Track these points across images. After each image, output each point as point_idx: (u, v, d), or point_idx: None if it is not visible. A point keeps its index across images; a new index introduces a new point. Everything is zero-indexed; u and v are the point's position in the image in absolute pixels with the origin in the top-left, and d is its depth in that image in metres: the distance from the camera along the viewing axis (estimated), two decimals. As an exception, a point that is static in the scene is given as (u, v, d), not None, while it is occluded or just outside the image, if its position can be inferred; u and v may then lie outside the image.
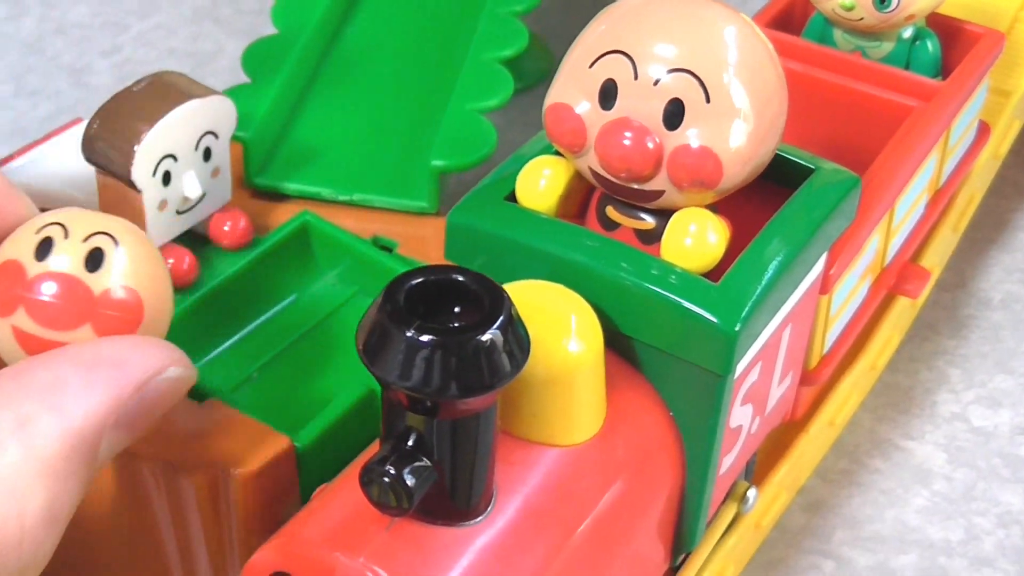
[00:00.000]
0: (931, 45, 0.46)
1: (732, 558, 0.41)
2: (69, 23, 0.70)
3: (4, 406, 0.27)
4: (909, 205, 0.44)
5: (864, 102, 0.45)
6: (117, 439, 0.28)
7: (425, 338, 0.26)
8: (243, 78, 0.64)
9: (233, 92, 0.44)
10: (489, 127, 0.43)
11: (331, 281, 0.41)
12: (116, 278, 0.29)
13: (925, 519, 0.46)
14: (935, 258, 0.51)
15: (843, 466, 0.47)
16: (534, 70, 0.62)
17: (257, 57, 0.46)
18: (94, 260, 0.28)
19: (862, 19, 0.44)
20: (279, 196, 0.43)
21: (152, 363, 0.29)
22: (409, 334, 0.26)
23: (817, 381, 0.42)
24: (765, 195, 0.36)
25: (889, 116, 0.44)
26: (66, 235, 0.29)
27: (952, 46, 0.47)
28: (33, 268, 0.28)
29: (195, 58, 0.68)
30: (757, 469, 0.42)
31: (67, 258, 0.28)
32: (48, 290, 0.28)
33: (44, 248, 0.29)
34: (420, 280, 0.27)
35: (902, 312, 0.49)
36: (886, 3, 0.43)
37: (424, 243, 0.41)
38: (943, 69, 0.47)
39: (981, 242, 0.57)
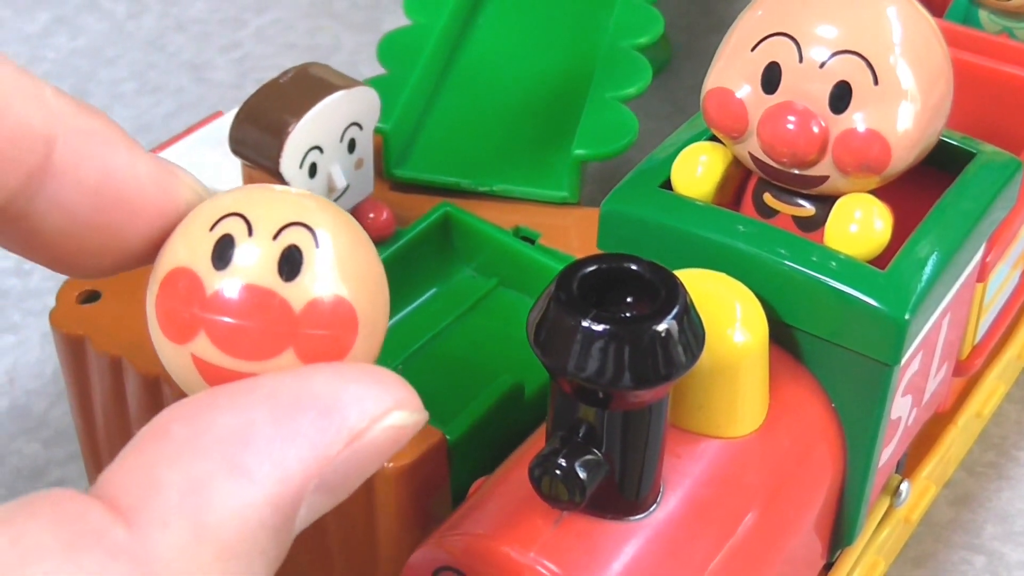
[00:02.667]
0: (1082, 25, 0.45)
1: (883, 553, 0.40)
2: (188, 19, 0.71)
3: (172, 463, 0.21)
4: (1061, 190, 0.43)
5: (1013, 84, 0.44)
6: (319, 504, 0.22)
7: (600, 327, 0.26)
8: (361, 71, 0.64)
9: (372, 83, 0.44)
10: (630, 116, 0.43)
11: (471, 273, 0.41)
12: (322, 285, 0.22)
13: (1077, 513, 0.44)
14: (1084, 245, 0.49)
15: (990, 458, 0.46)
16: (655, 59, 0.61)
17: (393, 49, 0.46)
18: (290, 263, 0.22)
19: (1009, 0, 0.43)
20: (419, 187, 0.43)
21: (373, 406, 0.22)
22: (585, 323, 0.26)
23: (969, 371, 0.41)
24: (924, 179, 0.35)
25: (1040, 99, 0.43)
26: (250, 231, 0.23)
27: (1102, 25, 0.46)
28: (212, 279, 0.22)
29: (313, 52, 0.68)
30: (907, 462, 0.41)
31: (256, 263, 0.22)
32: (235, 309, 0.22)
33: (223, 250, 0.23)
34: (593, 268, 0.27)
35: (1049, 301, 0.48)
36: (1037, -18, 0.42)
37: (566, 233, 0.41)
38: (1093, 49, 0.45)
39: (1124, 228, 0.55)
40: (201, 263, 0.23)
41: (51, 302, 0.52)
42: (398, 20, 0.50)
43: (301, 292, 0.22)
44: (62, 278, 0.53)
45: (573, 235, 0.41)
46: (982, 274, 0.38)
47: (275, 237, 0.23)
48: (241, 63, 0.67)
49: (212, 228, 0.23)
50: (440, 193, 0.42)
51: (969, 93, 0.45)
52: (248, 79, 0.66)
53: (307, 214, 0.23)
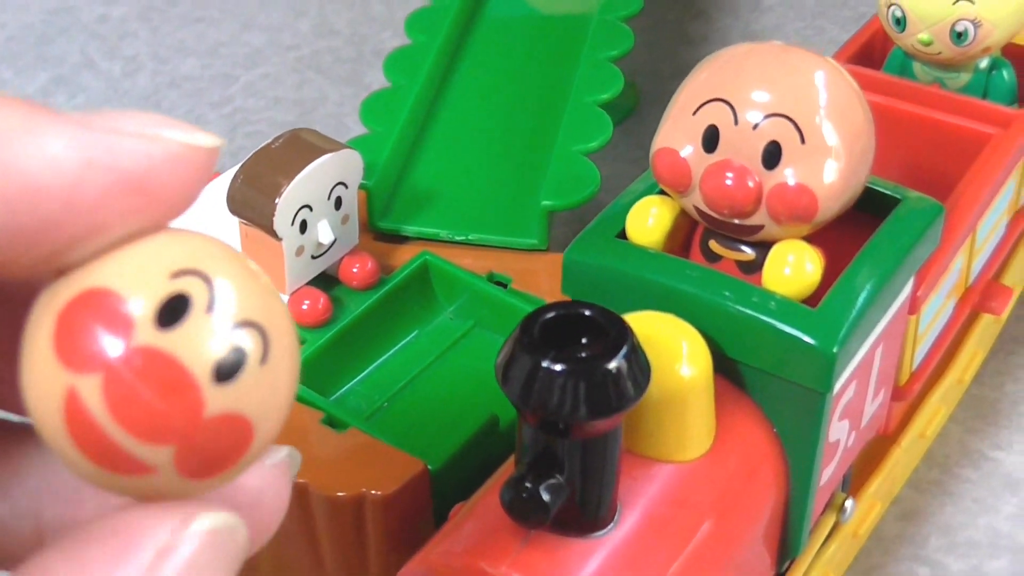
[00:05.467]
0: (1007, 74, 0.48)
1: (832, 565, 0.44)
2: (181, 76, 0.74)
3: None
4: (990, 227, 0.47)
5: (945, 131, 0.48)
6: None
7: (559, 367, 0.29)
8: (346, 123, 0.68)
9: (355, 143, 0.47)
10: (593, 169, 0.46)
11: (450, 316, 0.45)
12: (244, 404, 0.19)
13: (1016, 525, 0.48)
14: (1018, 275, 0.53)
15: (935, 476, 0.50)
16: (623, 106, 0.65)
17: (374, 109, 0.49)
18: (228, 369, 0.19)
19: (940, 53, 0.47)
20: (400, 238, 0.46)
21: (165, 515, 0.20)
22: (544, 363, 0.29)
23: (908, 396, 0.44)
24: (856, 224, 0.38)
25: (969, 143, 0.47)
26: (210, 307, 0.19)
27: (1029, 73, 0.50)
28: (142, 329, 0.19)
29: (300, 106, 0.72)
30: (853, 480, 0.45)
31: (197, 345, 0.19)
32: (148, 375, 0.19)
33: (173, 308, 0.19)
34: (552, 315, 0.30)
35: (986, 328, 0.52)
36: (963, 38, 0.46)
37: (536, 277, 0.44)
38: (1021, 95, 0.49)
39: (1062, 258, 0.59)
40: (144, 304, 0.19)
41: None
42: (379, 75, 0.54)
43: (220, 402, 0.19)
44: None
45: (543, 279, 0.44)
46: (913, 307, 0.41)
47: (233, 328, 0.19)
48: (232, 117, 0.71)
49: (172, 277, 0.19)
50: (420, 242, 0.46)
51: (904, 139, 0.49)
52: (239, 132, 0.70)
53: (271, 319, 0.20)
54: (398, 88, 0.51)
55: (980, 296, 0.48)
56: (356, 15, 0.79)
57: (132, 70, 0.75)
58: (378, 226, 0.46)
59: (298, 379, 0.20)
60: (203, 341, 0.19)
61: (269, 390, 0.19)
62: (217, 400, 0.19)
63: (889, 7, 0.47)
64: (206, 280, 0.19)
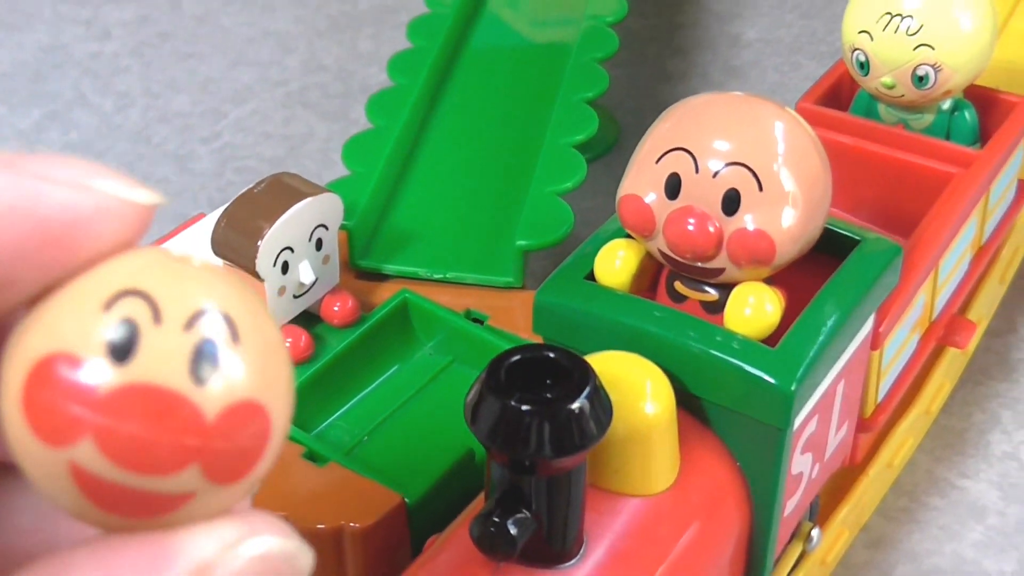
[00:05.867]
0: (969, 115, 0.50)
1: (801, 592, 0.45)
2: (172, 112, 0.76)
3: None
4: (953, 263, 0.48)
5: (908, 170, 0.49)
6: None
7: (524, 407, 0.31)
8: (332, 157, 0.69)
9: (336, 185, 0.49)
10: (566, 209, 0.48)
11: (429, 352, 0.46)
12: (239, 390, 0.18)
13: (981, 552, 0.49)
14: (983, 309, 0.55)
15: (903, 504, 0.51)
16: (603, 140, 0.67)
17: (356, 151, 0.51)
18: (203, 362, 0.18)
19: (903, 96, 0.48)
20: (380, 276, 0.48)
21: (224, 534, 0.19)
22: (511, 403, 0.31)
23: (873, 428, 0.46)
24: (818, 265, 0.40)
25: (932, 183, 0.48)
26: (157, 317, 0.18)
27: (990, 114, 0.51)
28: (107, 375, 0.18)
29: (288, 141, 0.73)
30: (821, 510, 0.46)
31: (162, 357, 0.18)
32: (136, 415, 0.18)
33: (122, 338, 0.18)
34: (517, 358, 0.32)
35: (952, 360, 0.53)
36: (924, 81, 0.47)
37: (512, 314, 0.46)
38: (982, 135, 0.51)
39: (1029, 290, 0.61)
40: (92, 351, 0.18)
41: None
42: (365, 111, 0.55)
43: (215, 398, 0.18)
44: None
45: (519, 315, 0.46)
46: (876, 343, 0.43)
47: (187, 327, 0.18)
48: (222, 152, 0.73)
49: (107, 307, 0.18)
50: (400, 280, 0.48)
51: (870, 178, 0.50)
52: (228, 167, 0.71)
53: (224, 299, 0.19)
54: (379, 130, 0.52)
55: (944, 330, 0.49)
56: (344, 52, 0.81)
57: (124, 105, 0.77)
58: (359, 265, 0.48)
59: (283, 342, 0.20)
60: (165, 353, 0.18)
61: (256, 363, 0.19)
62: (210, 398, 0.18)
63: (853, 52, 0.48)
64: (140, 294, 0.18)
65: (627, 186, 0.38)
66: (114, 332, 0.18)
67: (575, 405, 0.31)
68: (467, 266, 0.48)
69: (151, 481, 0.18)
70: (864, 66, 0.48)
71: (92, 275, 0.19)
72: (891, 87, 0.48)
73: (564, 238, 0.47)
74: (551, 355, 0.32)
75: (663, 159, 0.37)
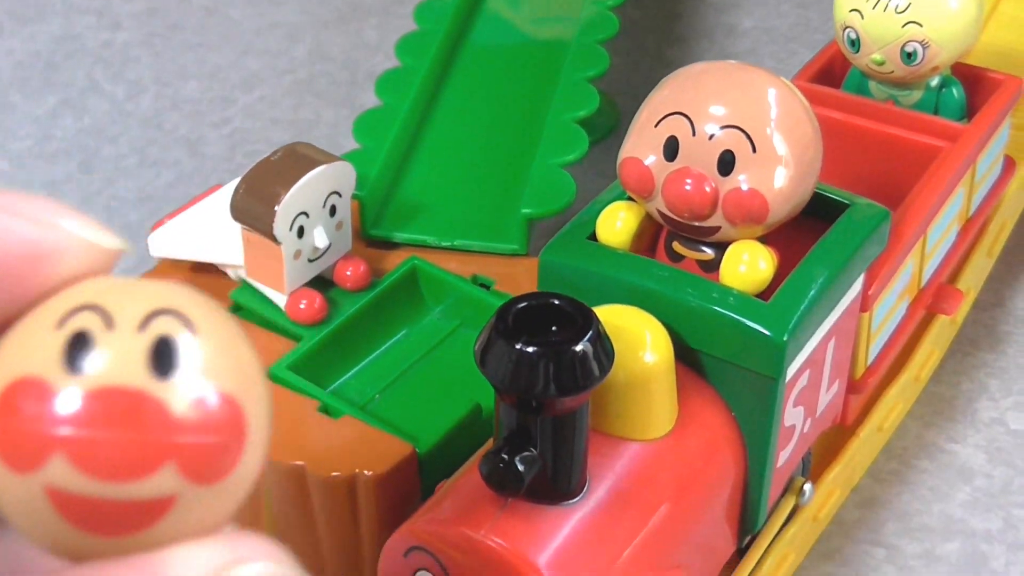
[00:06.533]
0: (956, 92, 0.52)
1: (793, 546, 0.47)
2: (182, 99, 0.78)
3: None
4: (941, 233, 0.50)
5: (898, 144, 0.51)
6: None
7: (531, 349, 0.33)
8: (340, 142, 0.71)
9: (349, 156, 0.51)
10: (569, 180, 0.50)
11: (437, 316, 0.48)
12: (204, 382, 0.18)
13: (968, 511, 0.51)
14: (971, 280, 0.57)
15: (893, 467, 0.53)
16: (604, 124, 0.69)
17: (366, 126, 0.53)
18: (163, 357, 0.18)
19: (892, 72, 0.50)
20: (391, 244, 0.50)
21: (212, 557, 0.18)
22: (518, 346, 0.33)
23: (863, 390, 0.48)
24: (809, 228, 0.42)
25: (920, 156, 0.50)
26: (109, 323, 0.18)
27: (977, 91, 0.53)
28: (64, 386, 0.18)
29: (296, 127, 0.75)
30: (814, 469, 0.48)
31: (119, 360, 0.18)
32: (98, 419, 0.18)
33: (77, 350, 0.18)
34: (525, 304, 0.34)
35: (942, 330, 0.55)
36: (912, 57, 0.49)
37: (516, 280, 0.48)
38: (969, 112, 0.53)
39: (1018, 265, 0.63)
40: (49, 368, 0.18)
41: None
42: (371, 97, 0.58)
43: (179, 391, 0.18)
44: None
45: (523, 281, 0.48)
46: (865, 305, 0.45)
47: (141, 328, 0.18)
48: (231, 137, 0.75)
49: (60, 325, 0.18)
50: (409, 248, 0.49)
51: (862, 152, 0.52)
52: (238, 152, 0.73)
53: (175, 300, 0.19)
54: (388, 107, 0.54)
55: (933, 298, 0.51)
56: (350, 41, 0.83)
57: (135, 93, 0.79)
58: (370, 233, 0.50)
59: (246, 338, 0.19)
60: (121, 354, 0.18)
61: (218, 354, 0.18)
62: (174, 392, 0.18)
63: (844, 29, 0.50)
64: (91, 307, 0.18)
65: (627, 149, 0.40)
66: (65, 345, 0.18)
67: (579, 347, 0.33)
68: (474, 234, 0.50)
69: (128, 488, 0.18)
70: (855, 43, 0.50)
71: (46, 304, 0.19)
72: (881, 63, 0.50)
73: (567, 207, 0.49)
74: (556, 302, 0.34)
75: (661, 123, 0.39)
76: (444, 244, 0.49)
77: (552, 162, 0.51)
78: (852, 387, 0.47)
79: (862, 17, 0.50)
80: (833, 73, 0.55)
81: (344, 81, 0.79)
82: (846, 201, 0.43)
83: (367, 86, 0.78)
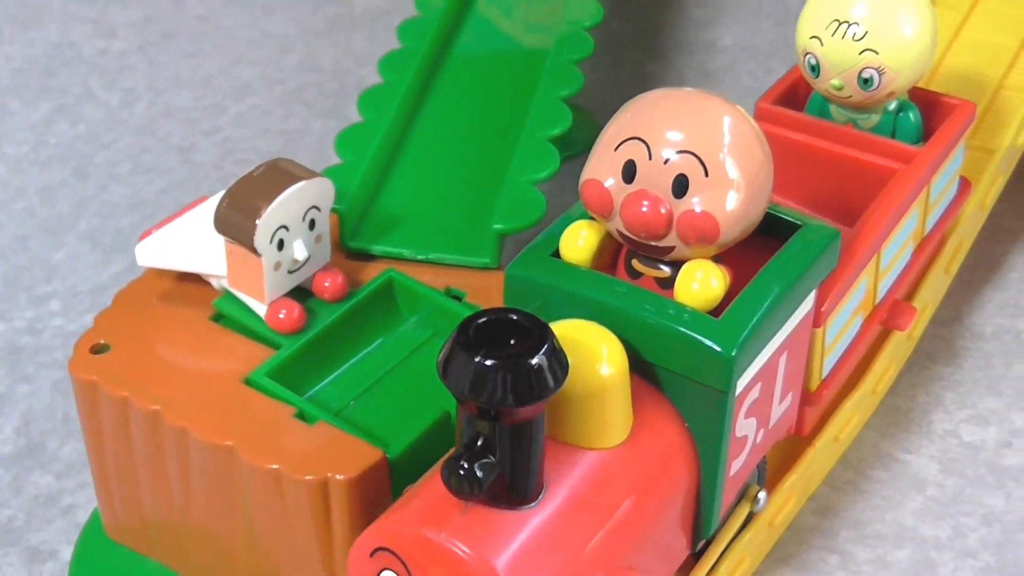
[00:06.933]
0: (913, 116, 0.54)
1: (748, 551, 0.49)
2: (175, 107, 0.80)
3: None
4: (895, 252, 0.53)
5: (855, 166, 0.53)
6: None
7: (489, 362, 0.35)
8: (327, 152, 0.73)
9: (330, 172, 0.53)
10: (539, 196, 0.52)
11: (411, 326, 0.50)
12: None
13: (919, 520, 0.53)
14: (928, 297, 0.59)
15: (849, 477, 0.55)
16: (582, 140, 0.71)
17: (347, 142, 0.55)
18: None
19: (851, 97, 0.52)
20: (368, 256, 0.52)
21: None
22: (477, 359, 0.35)
23: (818, 402, 0.50)
24: (762, 247, 0.44)
25: (876, 178, 0.53)
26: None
27: (933, 115, 0.56)
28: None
29: (286, 136, 0.78)
30: (771, 478, 0.50)
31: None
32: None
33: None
34: (484, 320, 0.36)
35: (898, 345, 0.57)
36: (869, 83, 0.52)
37: (488, 292, 0.50)
38: (925, 135, 0.55)
39: (977, 282, 0.65)
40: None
41: (60, 356, 0.61)
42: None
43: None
44: (70, 335, 0.62)
45: (494, 293, 0.50)
46: (818, 320, 0.47)
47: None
48: (222, 146, 0.77)
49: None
50: (386, 261, 0.52)
51: (822, 173, 0.54)
52: (228, 159, 0.75)
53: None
54: (369, 122, 0.56)
55: (887, 313, 0.53)
56: (340, 52, 0.85)
57: (130, 100, 0.81)
58: (348, 246, 0.52)
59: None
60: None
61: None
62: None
63: (805, 55, 0.53)
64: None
65: (588, 171, 0.42)
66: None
67: (534, 360, 0.35)
68: (448, 248, 0.52)
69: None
70: (815, 69, 0.53)
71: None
72: (839, 88, 0.52)
73: (537, 222, 0.51)
74: (514, 317, 0.36)
75: (621, 147, 0.41)
76: (419, 257, 0.52)
77: (524, 179, 0.53)
78: (806, 399, 0.49)
79: (821, 44, 0.52)
80: (796, 96, 0.57)
81: (333, 92, 0.81)
82: (798, 222, 0.45)
83: (355, 97, 0.80)
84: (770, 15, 0.89)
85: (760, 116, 0.55)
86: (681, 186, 0.40)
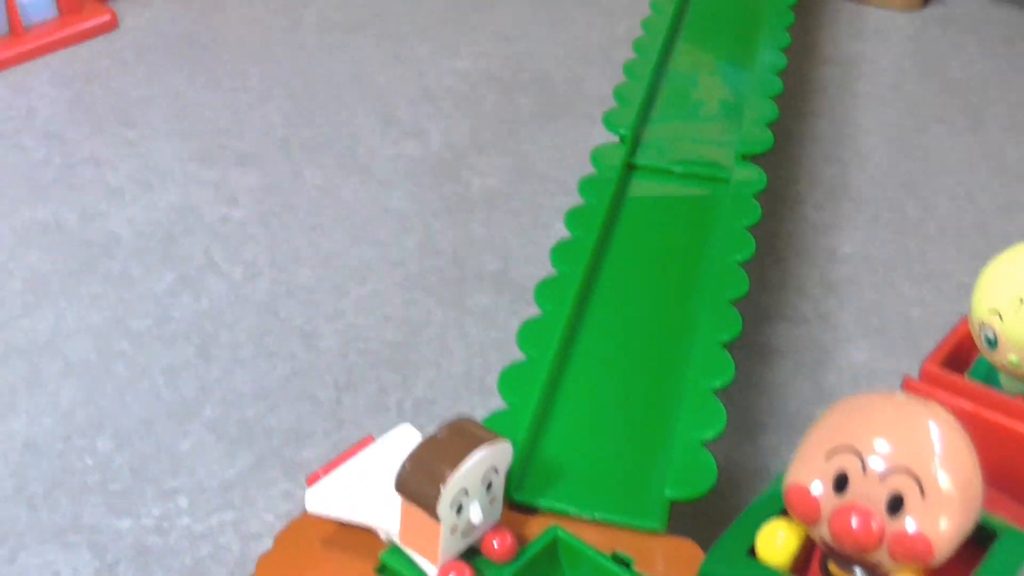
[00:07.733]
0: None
1: None
2: (296, 286, 0.80)
3: None
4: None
5: (1028, 443, 0.52)
6: None
7: None
8: (449, 345, 0.73)
9: (491, 420, 0.52)
10: (711, 462, 0.51)
11: (577, 588, 0.49)
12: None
13: None
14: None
15: None
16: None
17: (511, 383, 0.55)
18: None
19: (1027, 373, 0.52)
20: (532, 508, 0.51)
21: None
22: None
23: None
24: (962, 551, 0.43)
25: (1049, 458, 0.52)
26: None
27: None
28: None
29: (408, 324, 0.77)
30: None
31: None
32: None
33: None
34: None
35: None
36: (1049, 363, 0.51)
37: (654, 558, 0.49)
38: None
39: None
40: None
41: (188, 561, 0.60)
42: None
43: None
44: (197, 538, 0.62)
45: (659, 560, 0.49)
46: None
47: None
48: (345, 333, 0.76)
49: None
50: (550, 515, 0.51)
51: (990, 446, 0.53)
52: (352, 349, 0.75)
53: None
54: (532, 361, 0.56)
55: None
56: (458, 235, 0.85)
57: (252, 275, 0.81)
58: (514, 497, 0.51)
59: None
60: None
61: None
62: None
63: (982, 327, 0.52)
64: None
65: (794, 475, 0.41)
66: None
67: None
68: (614, 508, 0.51)
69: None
70: (992, 343, 0.52)
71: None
72: (1017, 365, 0.51)
73: (708, 492, 0.50)
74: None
75: (833, 457, 0.40)
76: (585, 516, 0.51)
77: (693, 436, 0.52)
78: None
79: (1002, 320, 0.51)
80: (961, 355, 0.56)
81: (453, 279, 0.81)
82: (994, 528, 0.44)
83: (475, 285, 0.80)
84: (888, 223, 0.88)
85: (927, 379, 0.54)
86: (896, 504, 0.39)
